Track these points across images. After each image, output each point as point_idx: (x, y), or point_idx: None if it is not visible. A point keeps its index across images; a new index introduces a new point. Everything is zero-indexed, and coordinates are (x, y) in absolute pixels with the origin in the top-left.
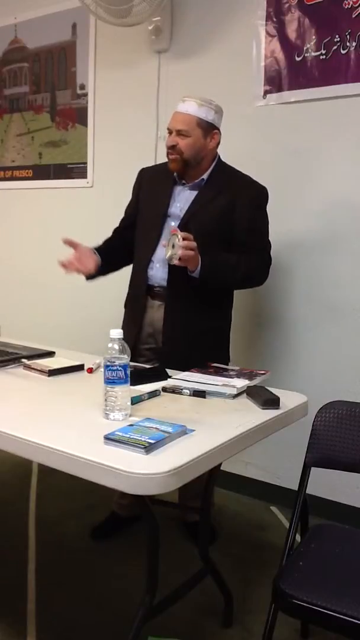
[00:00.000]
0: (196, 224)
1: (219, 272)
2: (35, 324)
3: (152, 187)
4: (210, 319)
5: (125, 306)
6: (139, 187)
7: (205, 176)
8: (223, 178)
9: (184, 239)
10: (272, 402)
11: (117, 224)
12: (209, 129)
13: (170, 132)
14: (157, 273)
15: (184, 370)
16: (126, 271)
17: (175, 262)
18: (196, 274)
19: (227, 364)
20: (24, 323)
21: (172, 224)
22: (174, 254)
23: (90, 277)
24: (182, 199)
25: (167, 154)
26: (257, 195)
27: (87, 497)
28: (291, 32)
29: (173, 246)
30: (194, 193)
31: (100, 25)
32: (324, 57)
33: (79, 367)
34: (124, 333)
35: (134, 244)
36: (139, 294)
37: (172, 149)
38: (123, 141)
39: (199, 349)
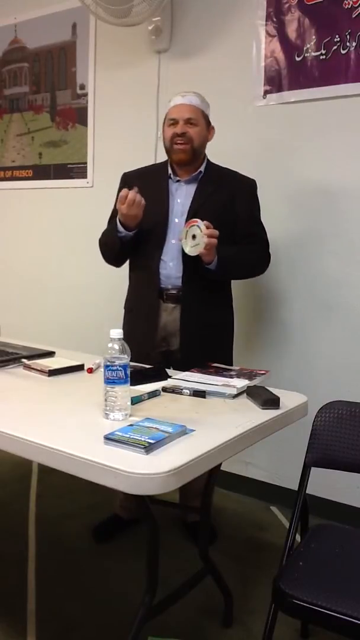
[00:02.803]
0: (202, 217)
1: (234, 263)
2: (35, 324)
3: (144, 188)
4: (222, 315)
5: (130, 311)
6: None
7: (202, 169)
8: (216, 173)
9: (206, 227)
10: (272, 402)
11: None
12: (208, 123)
13: (174, 122)
14: (171, 272)
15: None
16: (125, 271)
17: (201, 250)
18: (212, 265)
19: (232, 359)
20: (24, 323)
21: (176, 220)
22: (197, 245)
23: (126, 236)
24: (181, 194)
25: (174, 143)
26: (252, 188)
27: (87, 497)
28: (291, 32)
29: (193, 237)
30: (193, 187)
31: (100, 25)
32: (324, 57)
33: (79, 367)
34: (134, 339)
35: (134, 247)
36: (151, 298)
37: (182, 136)
38: (123, 141)
39: (212, 346)
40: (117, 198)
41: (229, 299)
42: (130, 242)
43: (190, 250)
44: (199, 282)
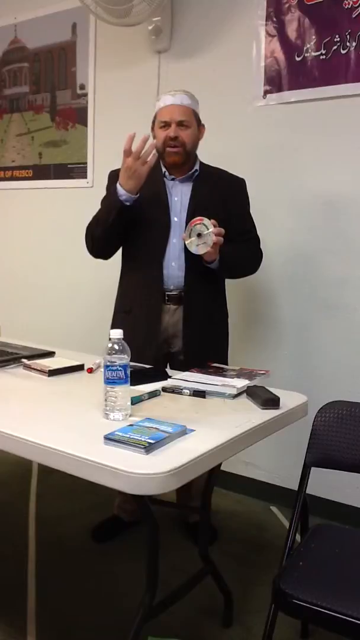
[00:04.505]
0: (201, 215)
1: (234, 262)
2: (35, 324)
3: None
4: (220, 314)
5: (127, 312)
6: None
7: (197, 167)
8: (209, 173)
9: (213, 225)
10: (272, 402)
11: None
12: (199, 121)
13: (166, 125)
14: (174, 272)
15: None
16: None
17: (208, 249)
18: (214, 264)
19: (227, 358)
20: (24, 323)
21: (175, 219)
22: (203, 243)
23: (125, 205)
24: (177, 193)
25: (167, 146)
26: (243, 186)
27: (87, 497)
28: (291, 32)
29: (199, 235)
30: (188, 186)
31: (100, 25)
32: (324, 57)
33: (79, 367)
34: (133, 342)
35: (130, 245)
36: (154, 300)
37: (174, 140)
38: (123, 141)
39: (212, 346)
40: (105, 196)
41: (224, 298)
42: (128, 217)
43: (196, 248)
44: (200, 281)
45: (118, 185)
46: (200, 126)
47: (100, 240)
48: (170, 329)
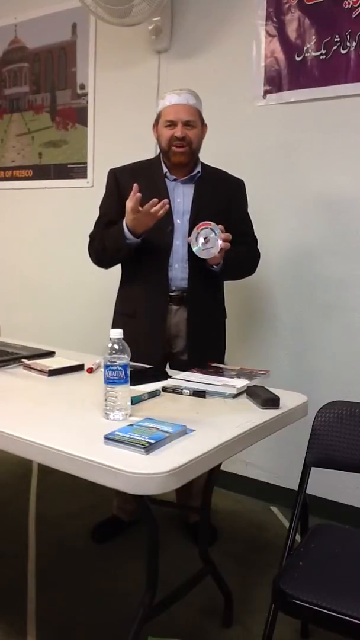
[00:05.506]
0: (205, 218)
1: (237, 265)
2: (35, 324)
3: (140, 187)
4: (221, 315)
5: (131, 316)
6: (117, 187)
7: (199, 169)
8: (210, 174)
9: (221, 230)
10: (272, 402)
11: None
12: (202, 120)
13: (172, 124)
14: (177, 274)
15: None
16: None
17: (215, 253)
18: (218, 267)
19: (224, 355)
20: (24, 323)
21: (178, 221)
22: (210, 248)
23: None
24: (179, 194)
25: (173, 146)
26: (242, 187)
27: (87, 497)
28: (291, 32)
29: (205, 239)
30: (189, 187)
31: (100, 25)
32: (324, 57)
33: (79, 367)
34: (136, 343)
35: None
36: (159, 302)
37: (182, 140)
38: (123, 141)
39: (214, 346)
40: (110, 194)
41: (223, 297)
42: (134, 248)
43: (203, 253)
44: (202, 282)
45: (125, 228)
46: (203, 125)
47: (106, 262)
48: (172, 329)
